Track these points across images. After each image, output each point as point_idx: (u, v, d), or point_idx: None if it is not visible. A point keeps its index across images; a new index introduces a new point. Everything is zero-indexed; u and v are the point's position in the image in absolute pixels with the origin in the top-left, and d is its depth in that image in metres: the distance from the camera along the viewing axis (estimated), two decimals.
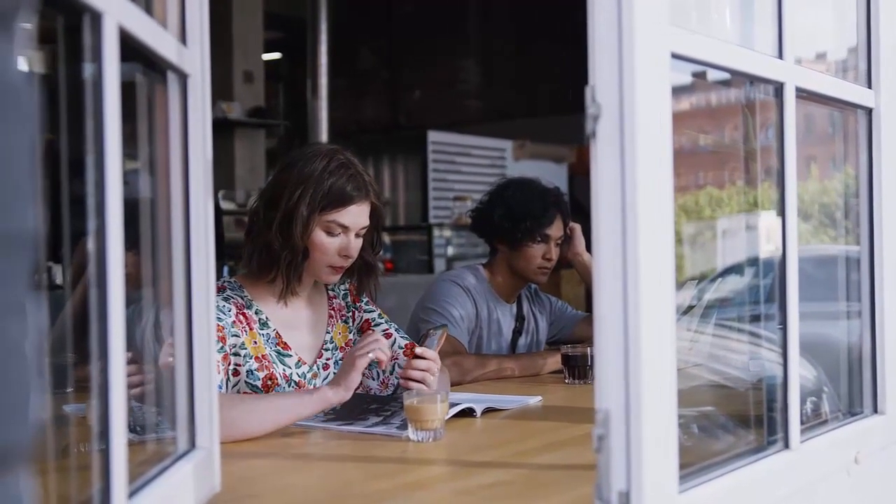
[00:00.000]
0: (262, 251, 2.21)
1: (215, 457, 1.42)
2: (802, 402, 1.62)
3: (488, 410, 2.20)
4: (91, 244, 1.01)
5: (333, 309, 2.39)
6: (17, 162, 0.59)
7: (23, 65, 0.62)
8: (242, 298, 2.23)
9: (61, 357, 1.44)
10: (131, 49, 1.12)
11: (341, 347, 2.36)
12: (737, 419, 1.72)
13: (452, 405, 2.05)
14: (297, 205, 2.16)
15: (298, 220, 2.16)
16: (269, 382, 2.18)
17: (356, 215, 2.21)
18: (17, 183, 0.59)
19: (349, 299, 2.43)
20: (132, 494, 1.10)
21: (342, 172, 2.20)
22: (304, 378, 2.26)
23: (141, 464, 1.24)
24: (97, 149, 1.01)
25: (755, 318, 1.97)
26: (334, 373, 2.30)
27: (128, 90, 1.09)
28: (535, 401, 2.37)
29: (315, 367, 2.29)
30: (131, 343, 1.08)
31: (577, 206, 6.13)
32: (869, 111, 1.83)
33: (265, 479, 1.67)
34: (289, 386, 2.21)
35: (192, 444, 1.38)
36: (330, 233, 2.20)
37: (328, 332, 2.36)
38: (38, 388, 0.61)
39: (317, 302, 2.37)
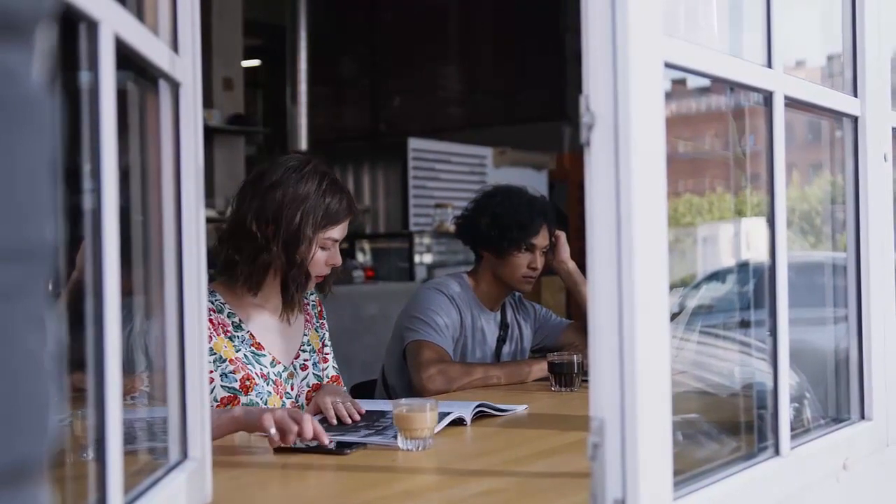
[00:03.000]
0: (262, 270, 2.27)
1: (207, 467, 1.42)
2: None
3: (479, 416, 2.20)
4: (87, 253, 1.01)
5: (308, 314, 2.49)
6: (37, 174, 0.58)
7: (41, 77, 0.62)
8: (213, 303, 2.28)
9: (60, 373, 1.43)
10: (124, 57, 1.11)
11: (318, 350, 2.46)
12: (726, 426, 1.73)
13: (442, 415, 2.05)
14: (302, 227, 2.24)
15: (304, 242, 2.25)
16: (248, 383, 2.24)
17: (345, 228, 2.34)
18: (36, 195, 0.58)
19: (316, 311, 2.53)
20: None
21: (335, 191, 2.31)
22: (281, 377, 2.33)
23: (134, 474, 1.24)
24: (93, 156, 1.01)
25: (739, 325, 1.98)
26: (313, 373, 2.41)
27: (119, 98, 1.09)
28: (522, 409, 2.37)
29: (292, 367, 2.37)
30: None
31: (558, 213, 6.15)
32: (855, 119, 1.84)
33: (256, 490, 1.67)
34: (267, 384, 2.27)
35: (185, 455, 1.37)
36: (323, 248, 2.31)
37: (305, 335, 2.44)
38: (56, 399, 0.61)
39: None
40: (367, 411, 2.23)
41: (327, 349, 2.53)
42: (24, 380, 0.57)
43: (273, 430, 1.82)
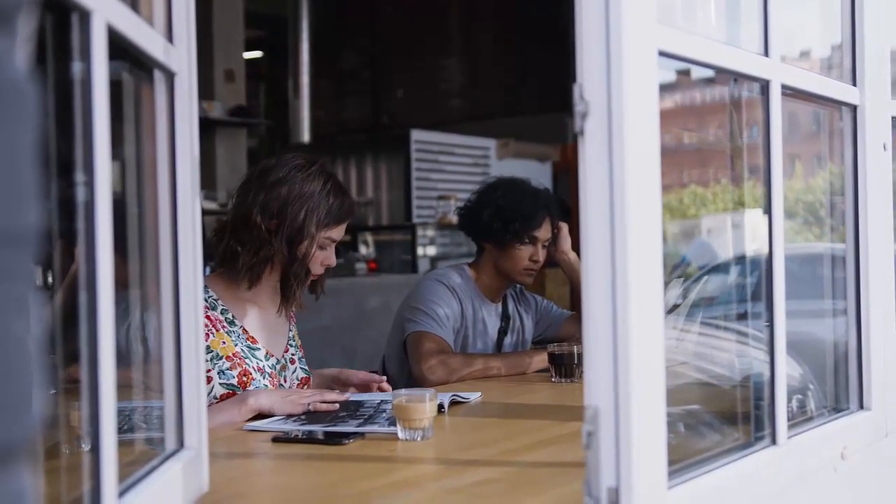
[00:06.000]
0: (263, 263, 2.30)
1: (204, 457, 1.42)
2: (788, 399, 1.62)
3: (454, 403, 2.26)
4: (80, 245, 1.01)
5: (291, 312, 2.52)
6: (21, 160, 0.59)
7: (24, 63, 0.62)
8: (206, 300, 2.29)
9: (46, 358, 1.43)
10: (118, 47, 1.11)
11: (300, 346, 2.52)
12: (724, 416, 1.73)
13: None
14: (305, 224, 2.28)
15: (307, 239, 2.29)
16: (245, 378, 2.27)
17: (343, 230, 2.39)
18: (20, 180, 0.59)
19: (294, 311, 2.55)
20: (122, 494, 1.09)
21: (338, 192, 2.35)
22: (275, 370, 2.36)
23: (129, 464, 1.24)
24: (86, 148, 1.01)
25: (741, 316, 1.98)
26: (300, 367, 2.47)
27: (113, 88, 1.09)
28: (475, 397, 2.40)
29: (283, 360, 2.41)
30: (116, 343, 1.08)
31: (561, 205, 6.13)
32: (854, 108, 1.84)
33: (253, 479, 1.67)
34: (263, 378, 2.30)
35: (181, 444, 1.37)
36: (322, 247, 2.34)
37: (290, 330, 2.49)
38: (40, 383, 0.62)
39: (277, 302, 2.45)
40: (346, 402, 2.23)
41: (298, 349, 2.56)
42: (8, 363, 0.58)
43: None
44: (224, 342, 2.27)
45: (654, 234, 1.22)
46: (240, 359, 2.27)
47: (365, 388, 2.45)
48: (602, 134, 1.18)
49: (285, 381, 2.39)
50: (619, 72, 1.16)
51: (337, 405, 2.17)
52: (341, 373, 2.52)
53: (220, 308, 2.31)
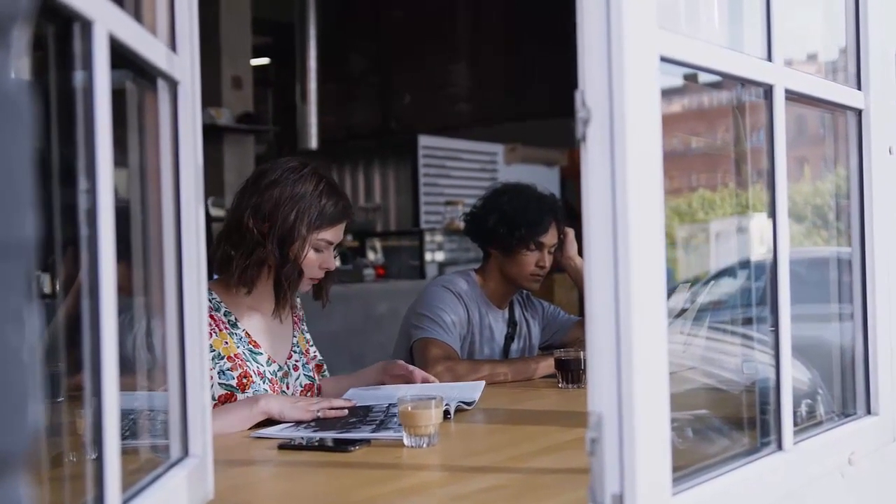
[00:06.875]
0: (256, 266, 2.30)
1: (208, 464, 1.42)
2: (797, 404, 1.62)
3: (459, 410, 2.25)
4: (83, 253, 1.01)
5: (296, 317, 2.52)
6: (16, 170, 0.59)
7: (20, 73, 0.62)
8: (210, 302, 2.30)
9: (52, 366, 1.44)
10: (121, 56, 1.12)
11: (304, 353, 2.50)
12: (731, 421, 1.72)
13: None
14: (296, 225, 2.28)
15: (298, 240, 2.29)
16: (245, 380, 2.27)
17: (341, 232, 2.38)
18: (16, 191, 0.59)
19: (302, 315, 2.57)
20: (126, 502, 1.09)
21: (332, 193, 2.34)
22: (276, 376, 2.36)
23: (134, 471, 1.24)
24: (88, 156, 1.01)
25: (748, 321, 1.98)
26: (304, 374, 2.46)
27: (117, 97, 1.09)
28: (479, 387, 2.43)
29: (286, 367, 2.41)
30: (123, 352, 1.08)
31: (569, 210, 6.12)
32: (858, 112, 1.83)
33: (258, 487, 1.67)
34: (263, 382, 2.31)
35: (186, 452, 1.37)
36: (317, 249, 2.34)
37: (294, 337, 2.48)
38: (36, 394, 0.62)
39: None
40: (355, 407, 2.23)
41: (313, 348, 2.56)
42: (3, 374, 0.58)
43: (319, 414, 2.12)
44: (226, 342, 2.28)
45: (657, 239, 1.22)
46: (241, 360, 2.28)
47: (406, 380, 2.47)
48: (604, 140, 1.18)
49: (288, 388, 2.38)
50: (621, 78, 1.16)
51: (346, 412, 2.17)
52: (394, 367, 2.53)
53: (223, 310, 2.32)
